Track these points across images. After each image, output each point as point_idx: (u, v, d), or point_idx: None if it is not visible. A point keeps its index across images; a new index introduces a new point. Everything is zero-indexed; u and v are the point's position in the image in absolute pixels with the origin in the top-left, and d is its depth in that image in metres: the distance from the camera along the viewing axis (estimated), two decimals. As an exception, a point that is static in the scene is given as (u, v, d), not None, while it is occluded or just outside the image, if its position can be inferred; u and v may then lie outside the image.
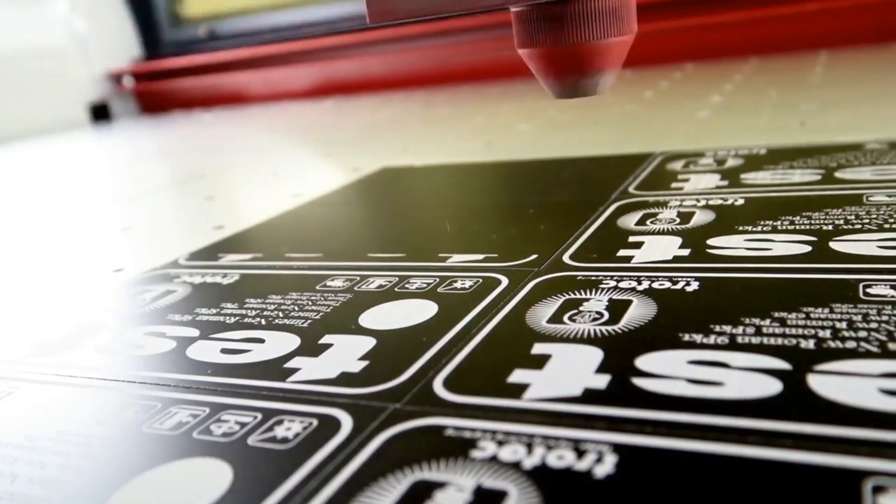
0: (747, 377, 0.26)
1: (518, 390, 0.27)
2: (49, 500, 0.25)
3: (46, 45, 1.99)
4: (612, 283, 0.36)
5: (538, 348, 0.30)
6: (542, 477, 0.22)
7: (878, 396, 0.24)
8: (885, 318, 0.29)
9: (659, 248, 0.41)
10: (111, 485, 0.25)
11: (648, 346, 0.29)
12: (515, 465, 0.23)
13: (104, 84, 2.11)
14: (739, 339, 0.29)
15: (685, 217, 0.45)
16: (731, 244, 0.40)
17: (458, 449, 0.24)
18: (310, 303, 0.39)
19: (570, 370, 0.28)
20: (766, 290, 0.34)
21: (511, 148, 0.83)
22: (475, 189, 0.66)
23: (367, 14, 0.35)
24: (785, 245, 0.39)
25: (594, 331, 0.31)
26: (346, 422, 0.27)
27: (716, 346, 0.29)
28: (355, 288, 0.41)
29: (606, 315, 0.33)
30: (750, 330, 0.30)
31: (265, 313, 0.39)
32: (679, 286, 0.35)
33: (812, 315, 0.30)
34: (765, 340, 0.29)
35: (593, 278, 0.37)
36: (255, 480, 0.24)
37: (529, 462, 0.23)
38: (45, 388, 0.34)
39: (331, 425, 0.27)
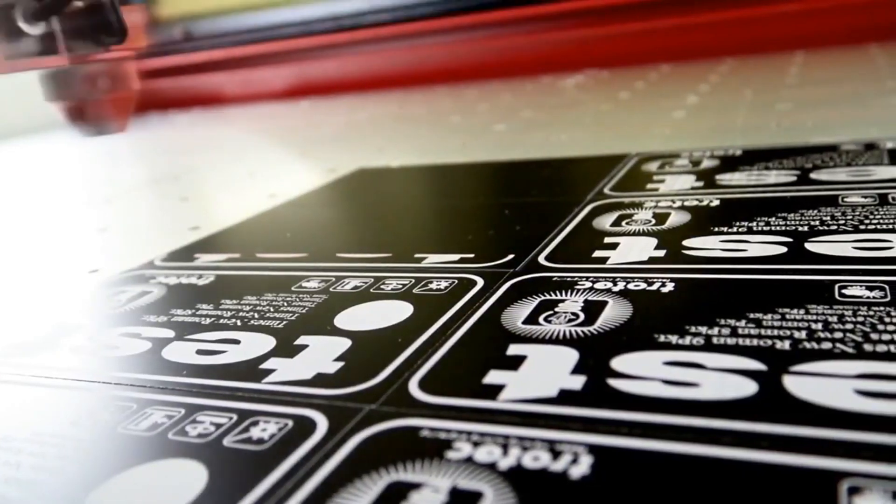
0: (723, 378, 0.26)
1: (493, 391, 0.27)
2: (24, 500, 0.25)
3: (21, 46, 1.98)
4: (588, 284, 0.36)
5: (514, 349, 0.30)
6: (517, 478, 0.22)
7: (854, 397, 0.24)
8: (860, 319, 0.29)
9: (634, 249, 0.41)
10: (87, 486, 0.25)
11: (624, 347, 0.29)
12: (491, 466, 0.23)
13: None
14: (715, 340, 0.29)
15: (661, 218, 0.46)
16: (706, 245, 0.40)
17: (434, 450, 0.24)
18: (285, 304, 0.39)
19: (546, 371, 0.28)
20: (741, 291, 0.34)
21: (487, 148, 0.83)
22: (451, 190, 0.66)
23: None
24: (760, 246, 0.39)
25: (570, 332, 0.31)
26: (322, 423, 0.27)
27: (691, 347, 0.29)
28: (331, 289, 0.41)
29: (582, 316, 0.33)
30: (725, 331, 0.30)
31: (241, 314, 0.39)
32: (654, 287, 0.35)
33: (788, 316, 0.30)
34: (740, 341, 0.29)
35: (569, 279, 0.37)
36: (230, 481, 0.24)
37: (505, 463, 0.23)
38: (20, 388, 0.34)
39: (306, 426, 0.27)
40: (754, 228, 0.42)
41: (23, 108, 1.88)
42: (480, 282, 0.39)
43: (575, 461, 0.23)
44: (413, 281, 0.40)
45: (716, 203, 0.47)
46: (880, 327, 0.28)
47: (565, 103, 1.09)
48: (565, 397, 0.26)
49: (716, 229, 0.42)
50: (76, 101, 0.44)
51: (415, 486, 0.22)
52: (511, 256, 0.42)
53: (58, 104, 0.45)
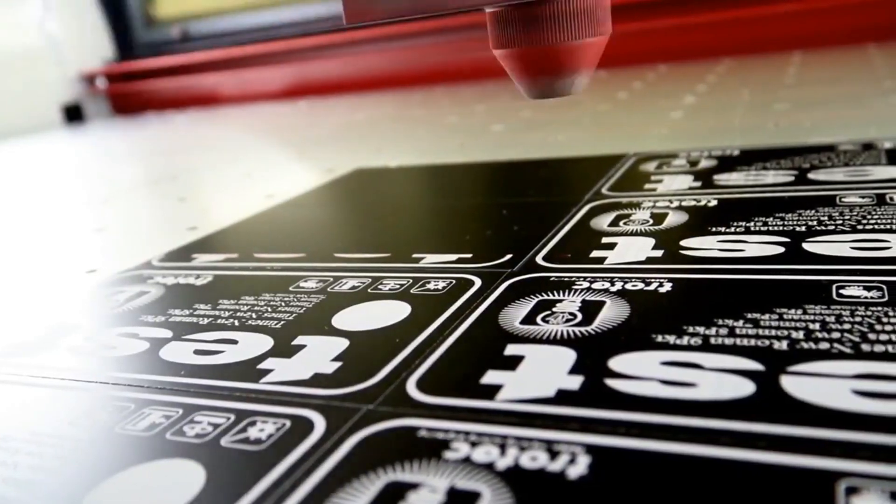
0: (720, 378, 0.26)
1: (491, 391, 0.27)
2: (22, 501, 0.25)
3: (20, 47, 1.98)
4: (586, 285, 0.36)
5: (511, 349, 0.30)
6: (515, 478, 0.22)
7: (852, 398, 0.24)
8: (858, 319, 0.29)
9: (632, 249, 0.41)
10: (84, 486, 0.25)
11: (621, 348, 0.29)
12: (489, 467, 0.23)
13: (77, 85, 2.10)
14: (712, 340, 0.29)
15: (658, 218, 0.46)
16: (704, 245, 0.40)
17: (431, 450, 0.24)
18: (283, 304, 0.39)
19: (543, 371, 0.28)
20: (739, 291, 0.34)
21: (485, 148, 0.83)
22: (449, 190, 0.66)
23: (343, 14, 0.35)
24: (758, 246, 0.39)
25: (567, 332, 0.31)
26: (319, 423, 0.27)
27: (689, 347, 0.29)
28: (328, 289, 0.41)
29: (580, 316, 0.33)
30: (723, 331, 0.30)
31: (238, 314, 0.39)
32: (652, 287, 0.35)
33: (785, 316, 0.30)
34: (738, 341, 0.29)
35: (566, 279, 0.37)
36: (228, 482, 0.24)
37: (503, 463, 0.23)
38: (18, 388, 0.34)
39: (304, 426, 0.27)
40: (752, 228, 0.42)
41: (20, 108, 1.89)
42: (478, 282, 0.39)
43: (573, 461, 0.23)
44: (411, 281, 0.40)
45: (713, 203, 0.47)
46: (878, 327, 0.28)
47: (563, 103, 1.09)
48: (563, 397, 0.26)
49: (713, 229, 0.42)
50: (539, 47, 0.34)
51: (412, 487, 0.22)
52: (509, 256, 0.42)
53: (507, 52, 0.35)
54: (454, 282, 0.39)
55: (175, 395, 0.31)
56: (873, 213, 0.41)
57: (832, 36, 1.30)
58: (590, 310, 0.33)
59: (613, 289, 0.35)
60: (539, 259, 0.41)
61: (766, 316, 0.30)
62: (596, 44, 0.35)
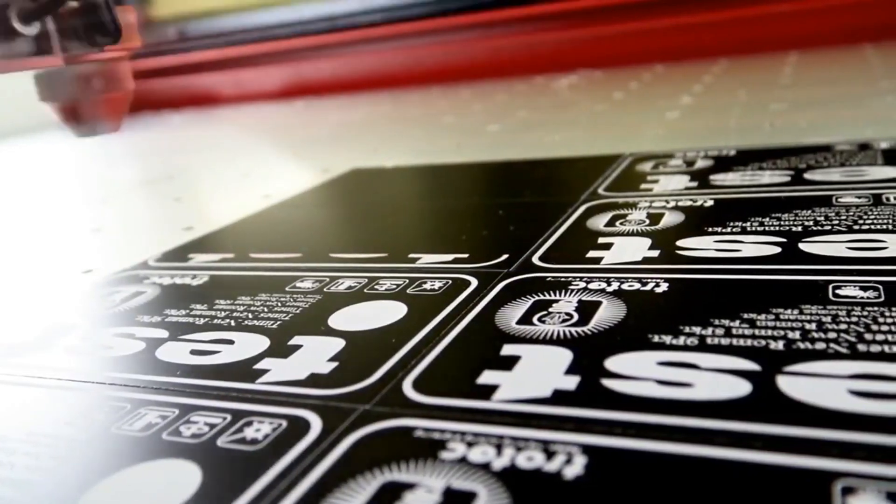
0: (716, 378, 0.26)
1: (487, 391, 0.27)
2: (18, 501, 0.25)
3: (15, 46, 1.98)
4: (582, 285, 0.36)
5: (507, 349, 0.30)
6: (511, 478, 0.22)
7: (848, 398, 0.24)
8: (854, 319, 0.29)
9: (628, 249, 0.41)
10: (81, 486, 0.25)
11: (618, 348, 0.29)
12: (485, 467, 0.23)
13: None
14: (709, 341, 0.29)
15: (654, 218, 0.46)
16: (700, 245, 0.40)
17: (428, 450, 0.24)
18: (279, 304, 0.39)
19: (540, 371, 0.28)
20: (735, 291, 0.34)
21: (481, 149, 0.83)
22: (445, 190, 0.66)
23: None
24: (754, 246, 0.39)
25: (564, 332, 0.31)
26: (316, 423, 0.27)
27: (685, 348, 0.29)
28: (325, 289, 0.41)
29: (576, 316, 0.33)
30: (719, 331, 0.30)
31: (235, 314, 0.39)
32: (648, 287, 0.35)
33: (782, 316, 0.30)
34: (734, 342, 0.29)
35: (563, 279, 0.37)
36: (224, 482, 0.24)
37: (499, 463, 0.23)
38: (14, 388, 0.34)
39: (300, 426, 0.27)
40: (748, 229, 0.42)
41: (17, 108, 1.88)
42: (474, 282, 0.39)
43: (569, 461, 0.23)
44: (407, 281, 0.40)
45: (710, 203, 0.47)
46: (874, 327, 0.28)
47: (559, 104, 1.09)
48: (559, 397, 0.26)
49: (710, 229, 0.42)
50: (70, 100, 0.45)
51: (409, 487, 0.22)
52: (505, 257, 0.42)
53: (52, 104, 0.46)
54: (450, 282, 0.39)
55: (171, 395, 0.31)
56: (869, 213, 0.41)
57: (829, 36, 1.30)
58: (586, 310, 0.33)
59: (610, 289, 0.35)
60: (535, 259, 0.41)
61: (763, 316, 0.30)
62: (116, 98, 0.48)
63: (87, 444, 0.28)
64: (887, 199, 0.44)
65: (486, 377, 0.28)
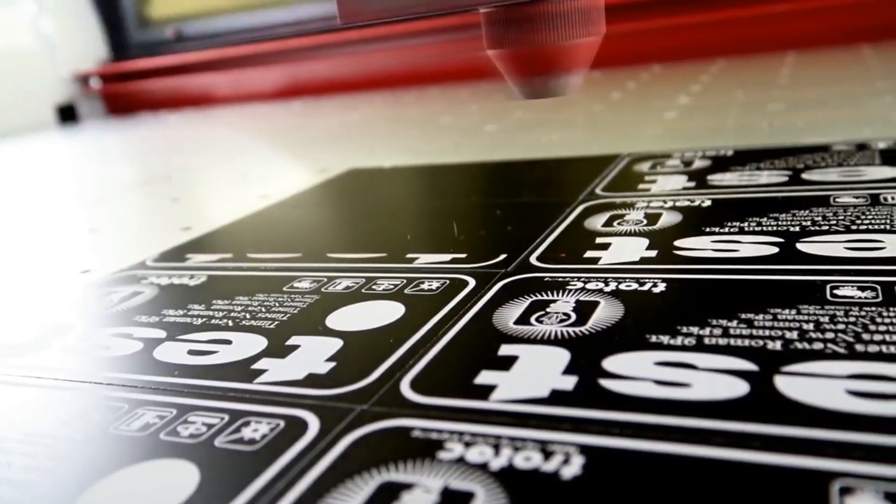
0: (714, 378, 0.26)
1: (485, 392, 0.27)
2: (16, 501, 0.25)
3: (13, 47, 1.98)
4: (580, 285, 0.36)
5: (505, 349, 0.30)
6: (509, 478, 0.22)
7: (845, 398, 0.24)
8: (851, 319, 0.29)
9: (626, 249, 0.41)
10: (78, 486, 0.25)
11: (615, 348, 0.29)
12: (482, 467, 0.23)
13: (71, 85, 2.10)
14: (706, 341, 0.29)
15: (652, 218, 0.46)
16: (698, 245, 0.40)
17: (425, 450, 0.24)
18: (277, 304, 0.39)
19: (537, 371, 0.28)
20: (733, 291, 0.34)
21: (479, 149, 0.83)
22: (443, 190, 0.66)
23: (338, 15, 0.35)
24: (752, 246, 0.39)
25: (561, 332, 0.31)
26: (313, 423, 0.27)
27: (683, 348, 0.29)
28: (322, 289, 0.41)
29: (573, 316, 0.33)
30: (717, 331, 0.30)
31: (232, 314, 0.39)
32: (646, 287, 0.35)
33: (779, 316, 0.30)
34: (732, 342, 0.29)
35: (560, 279, 0.37)
36: (221, 482, 0.24)
37: (496, 463, 0.23)
38: (12, 389, 0.34)
39: (298, 427, 0.27)
40: (746, 229, 0.42)
41: (14, 108, 1.88)
42: (472, 282, 0.39)
43: (566, 461, 0.23)
44: (405, 281, 0.40)
45: (707, 203, 0.47)
46: (872, 328, 0.28)
47: (557, 104, 1.09)
48: (557, 397, 0.26)
49: (707, 229, 0.42)
50: (532, 47, 0.35)
51: (406, 487, 0.22)
52: (503, 257, 0.42)
53: (500, 52, 0.36)
54: (448, 282, 0.39)
55: (169, 395, 0.31)
56: (867, 213, 0.42)
57: (826, 36, 1.30)
58: (584, 310, 0.33)
59: (607, 289, 0.36)
60: (533, 259, 0.41)
61: (760, 316, 0.30)
62: (589, 44, 0.35)
63: (84, 445, 0.28)
64: (885, 199, 0.44)
65: (484, 377, 0.28)
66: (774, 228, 0.41)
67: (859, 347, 0.27)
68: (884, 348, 0.27)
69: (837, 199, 0.44)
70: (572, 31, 0.34)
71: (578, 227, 0.46)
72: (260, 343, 0.35)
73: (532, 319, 0.33)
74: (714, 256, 0.38)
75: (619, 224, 0.45)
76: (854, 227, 0.40)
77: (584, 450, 0.23)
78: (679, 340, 0.29)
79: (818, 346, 0.28)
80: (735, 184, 0.51)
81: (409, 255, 0.44)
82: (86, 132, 1.77)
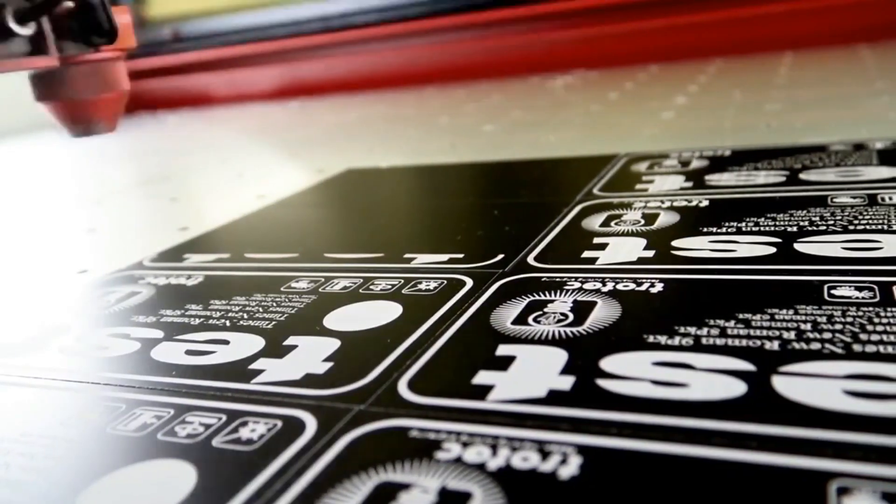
0: (712, 378, 0.26)
1: (482, 392, 0.27)
2: (14, 501, 0.25)
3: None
4: (577, 285, 0.36)
5: (503, 350, 0.30)
6: (506, 478, 0.22)
7: (843, 398, 0.24)
8: (849, 319, 0.29)
9: (623, 249, 0.41)
10: (76, 486, 0.25)
11: (613, 348, 0.29)
12: (480, 467, 0.23)
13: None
14: (704, 341, 0.29)
15: (650, 218, 0.46)
16: (695, 246, 0.40)
17: (423, 450, 0.24)
18: (274, 304, 0.39)
19: (535, 372, 0.28)
20: (730, 291, 0.34)
21: (476, 149, 0.83)
22: (440, 190, 0.66)
23: None
24: (749, 246, 0.39)
25: (559, 332, 0.31)
26: (311, 423, 0.27)
27: (680, 348, 0.29)
28: (320, 289, 0.41)
29: (571, 316, 0.33)
30: (714, 331, 0.30)
31: (230, 315, 0.39)
32: (643, 287, 0.35)
33: (777, 316, 0.30)
34: (729, 342, 0.29)
35: (558, 280, 0.37)
36: (219, 482, 0.24)
37: (494, 463, 0.23)
38: (9, 389, 0.34)
39: (295, 427, 0.27)
40: (743, 229, 0.42)
41: (12, 108, 1.88)
42: (470, 282, 0.39)
43: (564, 462, 0.23)
44: (402, 281, 0.40)
45: (705, 203, 0.47)
46: (869, 328, 0.28)
47: (554, 104, 1.09)
48: (554, 398, 0.26)
49: (705, 230, 0.42)
50: (66, 101, 0.45)
51: (404, 487, 0.22)
52: (500, 257, 0.42)
53: (48, 104, 0.46)
54: (445, 282, 0.39)
55: (166, 395, 0.31)
56: (865, 213, 0.42)
57: (824, 36, 1.30)
58: (581, 310, 0.33)
59: (605, 289, 0.36)
60: (530, 259, 0.41)
61: (758, 316, 0.30)
62: (111, 98, 0.48)
63: (82, 445, 0.28)
64: (882, 199, 0.44)
65: (482, 377, 0.28)
66: (772, 229, 0.41)
67: (857, 347, 0.27)
68: (881, 348, 0.27)
69: (835, 200, 0.44)
70: (93, 88, 0.46)
71: (576, 227, 0.46)
72: (257, 343, 0.35)
73: (530, 319, 0.33)
74: (711, 256, 0.38)
75: (616, 224, 0.45)
76: (852, 228, 0.40)
77: (582, 450, 0.23)
78: (676, 340, 0.29)
79: (816, 346, 0.28)
80: (732, 184, 0.51)
81: (406, 255, 0.44)
82: (83, 132, 1.76)
